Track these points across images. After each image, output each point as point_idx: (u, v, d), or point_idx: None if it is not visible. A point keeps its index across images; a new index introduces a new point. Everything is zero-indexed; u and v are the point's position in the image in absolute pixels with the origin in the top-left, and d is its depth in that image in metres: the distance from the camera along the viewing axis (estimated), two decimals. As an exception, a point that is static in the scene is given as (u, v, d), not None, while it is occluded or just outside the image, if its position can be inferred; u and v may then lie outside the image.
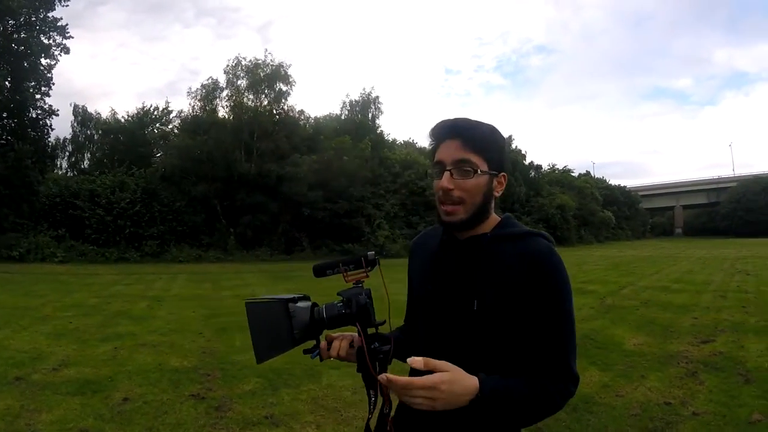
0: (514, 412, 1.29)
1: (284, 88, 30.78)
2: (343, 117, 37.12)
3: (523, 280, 1.35)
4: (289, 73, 30.80)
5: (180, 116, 33.85)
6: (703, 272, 18.32)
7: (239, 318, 9.43)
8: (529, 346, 1.37)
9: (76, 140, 37.28)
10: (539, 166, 52.06)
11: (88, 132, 37.20)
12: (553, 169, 58.51)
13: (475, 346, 1.38)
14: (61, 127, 47.55)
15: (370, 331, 1.41)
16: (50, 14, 25.23)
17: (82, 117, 37.20)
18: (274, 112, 30.70)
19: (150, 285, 15.49)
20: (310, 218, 28.29)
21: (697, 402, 4.90)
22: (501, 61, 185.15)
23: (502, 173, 1.47)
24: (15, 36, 24.27)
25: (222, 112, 31.19)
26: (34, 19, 24.79)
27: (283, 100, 31.08)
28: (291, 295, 1.43)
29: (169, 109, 35.81)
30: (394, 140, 42.20)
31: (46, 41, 25.21)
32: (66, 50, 25.90)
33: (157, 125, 35.57)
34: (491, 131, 1.46)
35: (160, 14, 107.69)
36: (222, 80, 30.87)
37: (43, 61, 25.34)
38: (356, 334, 1.44)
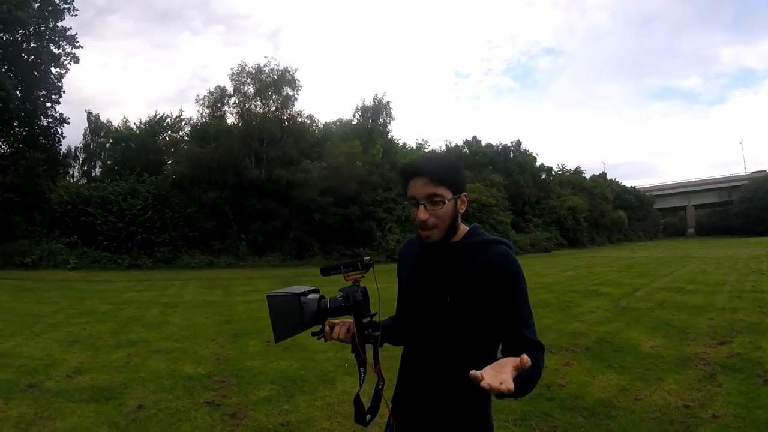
0: (524, 388, 1.48)
1: (291, 93, 30.78)
2: (354, 122, 37.08)
3: (487, 278, 1.70)
4: (295, 77, 30.84)
5: (189, 123, 34.09)
6: (717, 272, 18.14)
7: (252, 324, 9.48)
8: (501, 327, 1.71)
9: (88, 148, 37.53)
10: (549, 168, 51.81)
11: (100, 140, 37.38)
12: (563, 170, 58.23)
13: (449, 331, 1.75)
14: (75, 135, 47.91)
15: (366, 320, 1.80)
16: (60, 24, 25.52)
17: (95, 125, 37.40)
18: (282, 117, 30.62)
19: (162, 291, 15.51)
20: (321, 223, 28.28)
21: (716, 404, 4.83)
22: (510, 64, 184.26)
23: (463, 193, 1.79)
24: (25, 45, 24.52)
25: (230, 119, 31.26)
26: (43, 28, 25.04)
27: (291, 105, 31.04)
28: (303, 289, 1.82)
29: (182, 117, 35.95)
30: (405, 144, 42.15)
31: (55, 50, 25.47)
32: (76, 59, 26.16)
33: (169, 133, 35.66)
34: (449, 162, 1.83)
35: (168, 22, 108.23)
36: (229, 87, 30.95)
37: (53, 70, 25.62)
38: (350, 322, 1.84)
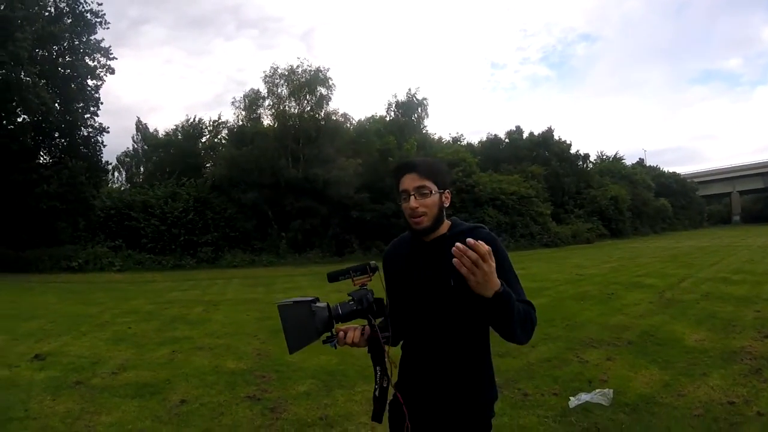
0: (514, 315, 1.78)
1: (324, 92, 30.96)
2: (388, 119, 36.98)
3: None
4: (328, 76, 31.03)
5: (226, 127, 34.81)
6: (764, 262, 17.59)
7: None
8: None
9: (136, 154, 38.68)
10: (587, 155, 50.13)
11: (144, 147, 38.44)
12: (602, 158, 56.90)
13: (455, 311, 1.94)
14: (117, 143, 49.19)
15: (378, 321, 1.92)
16: (93, 37, 26.24)
17: (143, 133, 38.50)
18: (317, 117, 30.86)
19: (205, 290, 15.76)
20: (358, 220, 28.40)
21: (762, 401, 4.68)
22: (546, 52, 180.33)
23: (447, 190, 2.07)
24: (60, 60, 25.22)
25: (266, 121, 31.66)
26: (77, 42, 25.78)
27: (325, 105, 31.25)
28: (310, 298, 1.89)
29: (220, 120, 36.63)
30: (441, 138, 41.86)
31: (91, 63, 26.17)
32: (111, 71, 26.86)
33: (207, 137, 36.35)
34: (435, 162, 2.13)
35: (201, 29, 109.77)
36: (263, 89, 31.34)
37: (90, 82, 26.33)
38: (361, 326, 2.00)
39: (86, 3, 25.76)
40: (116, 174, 37.90)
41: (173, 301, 12.92)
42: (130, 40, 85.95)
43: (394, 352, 2.08)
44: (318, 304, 1.88)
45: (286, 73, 30.46)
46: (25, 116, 23.86)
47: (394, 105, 37.81)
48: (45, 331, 8.97)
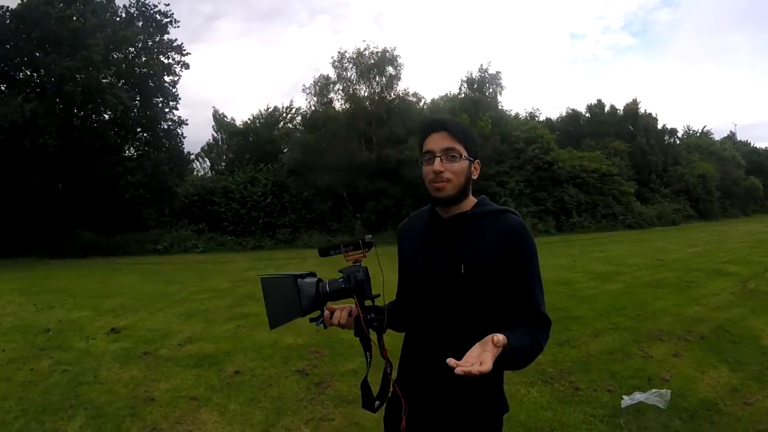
0: (520, 359, 1.57)
1: (393, 72, 31.01)
2: (461, 96, 36.44)
3: (501, 248, 1.68)
4: (396, 55, 31.06)
5: (300, 113, 35.74)
6: None
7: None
8: (510, 299, 1.70)
9: (216, 144, 40.30)
10: (674, 130, 47.07)
11: (222, 136, 39.94)
12: (689, 133, 53.72)
13: (464, 303, 1.71)
14: (201, 133, 51.16)
15: (367, 303, 1.75)
16: (165, 36, 27.84)
17: (220, 123, 39.98)
18: (388, 98, 31.00)
19: (279, 269, 16.09)
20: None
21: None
22: (628, 20, 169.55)
23: (477, 160, 1.82)
24: (136, 60, 26.65)
25: (338, 105, 32.02)
26: (150, 43, 27.49)
27: (395, 84, 31.31)
28: (300, 272, 1.74)
29: (293, 106, 37.57)
30: (517, 114, 40.59)
31: (165, 61, 27.79)
32: (186, 66, 28.38)
33: (282, 124, 37.34)
34: (469, 127, 1.84)
35: (274, 19, 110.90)
36: (332, 74, 31.70)
37: (166, 78, 27.91)
38: (350, 306, 1.80)
39: (154, 6, 27.39)
40: (200, 163, 39.91)
41: (248, 280, 13.32)
42: (205, 36, 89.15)
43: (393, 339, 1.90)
44: (306, 280, 1.73)
45: (354, 57, 30.78)
46: (105, 115, 25.56)
47: (466, 81, 37.20)
48: (124, 308, 9.56)
